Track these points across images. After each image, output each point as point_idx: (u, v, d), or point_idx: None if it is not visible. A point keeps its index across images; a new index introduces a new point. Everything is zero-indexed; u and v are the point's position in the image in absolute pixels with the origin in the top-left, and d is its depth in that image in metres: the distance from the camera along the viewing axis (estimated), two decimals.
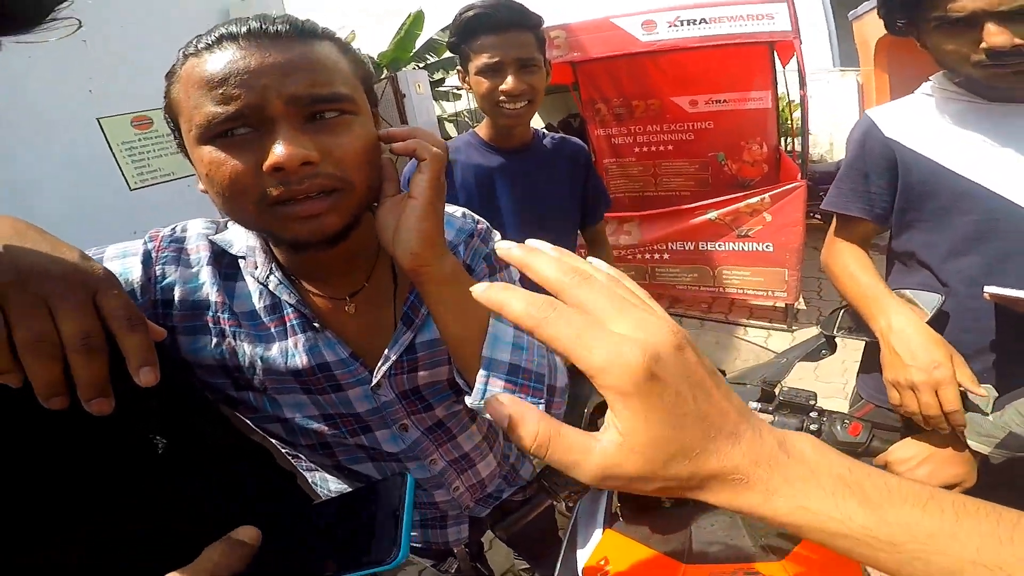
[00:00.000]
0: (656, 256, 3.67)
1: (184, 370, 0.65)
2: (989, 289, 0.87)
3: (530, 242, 0.36)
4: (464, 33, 1.15)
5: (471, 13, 1.13)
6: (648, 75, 3.86)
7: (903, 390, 0.89)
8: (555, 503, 0.91)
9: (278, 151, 0.50)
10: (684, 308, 3.75)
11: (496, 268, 0.78)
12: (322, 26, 0.58)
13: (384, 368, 0.69)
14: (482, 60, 1.14)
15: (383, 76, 6.41)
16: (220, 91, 0.50)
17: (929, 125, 0.98)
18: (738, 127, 3.88)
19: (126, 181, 3.09)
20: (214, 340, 0.65)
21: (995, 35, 0.78)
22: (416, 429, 0.77)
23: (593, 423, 1.04)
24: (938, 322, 0.95)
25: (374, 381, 0.69)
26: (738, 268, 3.45)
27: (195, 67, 0.52)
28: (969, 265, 0.97)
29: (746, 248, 3.37)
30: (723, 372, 1.02)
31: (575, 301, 0.31)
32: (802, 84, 3.20)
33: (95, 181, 2.90)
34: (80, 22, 0.34)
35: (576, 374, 1.18)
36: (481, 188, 1.26)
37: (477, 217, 0.80)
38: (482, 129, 1.29)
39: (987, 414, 0.82)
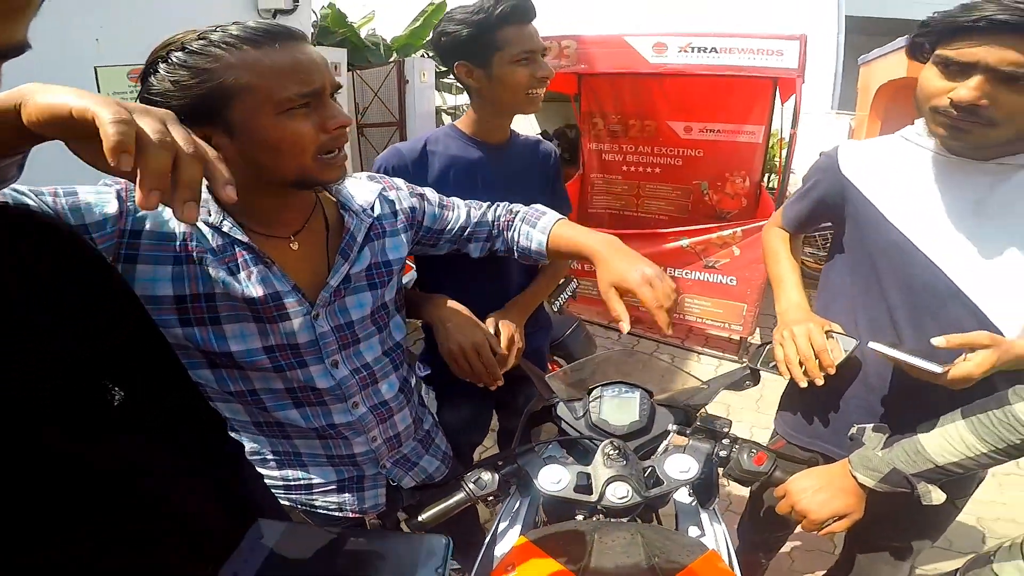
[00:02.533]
0: None
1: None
2: (872, 344, 0.94)
3: None
4: (495, 24, 1.12)
5: (508, 4, 1.10)
6: (650, 96, 3.91)
7: (785, 342, 1.04)
8: (476, 505, 0.95)
9: (343, 117, 0.74)
10: (643, 329, 3.77)
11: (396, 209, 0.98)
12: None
13: (326, 296, 0.84)
14: (518, 49, 1.14)
15: (391, 60, 6.35)
16: (301, 75, 0.70)
17: (887, 169, 1.03)
18: (726, 158, 3.95)
19: None
20: (176, 268, 0.74)
21: (971, 89, 0.81)
22: (345, 367, 0.90)
23: (527, 429, 1.07)
24: (849, 366, 1.02)
25: (314, 312, 0.84)
26: (700, 298, 3.49)
27: (265, 57, 0.68)
28: (879, 313, 1.04)
29: (711, 279, 3.41)
30: (650, 393, 1.05)
31: None
32: (794, 123, 3.23)
33: None
34: None
35: (523, 380, 1.20)
36: (459, 180, 1.24)
37: (379, 177, 1.00)
38: (464, 123, 1.28)
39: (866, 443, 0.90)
